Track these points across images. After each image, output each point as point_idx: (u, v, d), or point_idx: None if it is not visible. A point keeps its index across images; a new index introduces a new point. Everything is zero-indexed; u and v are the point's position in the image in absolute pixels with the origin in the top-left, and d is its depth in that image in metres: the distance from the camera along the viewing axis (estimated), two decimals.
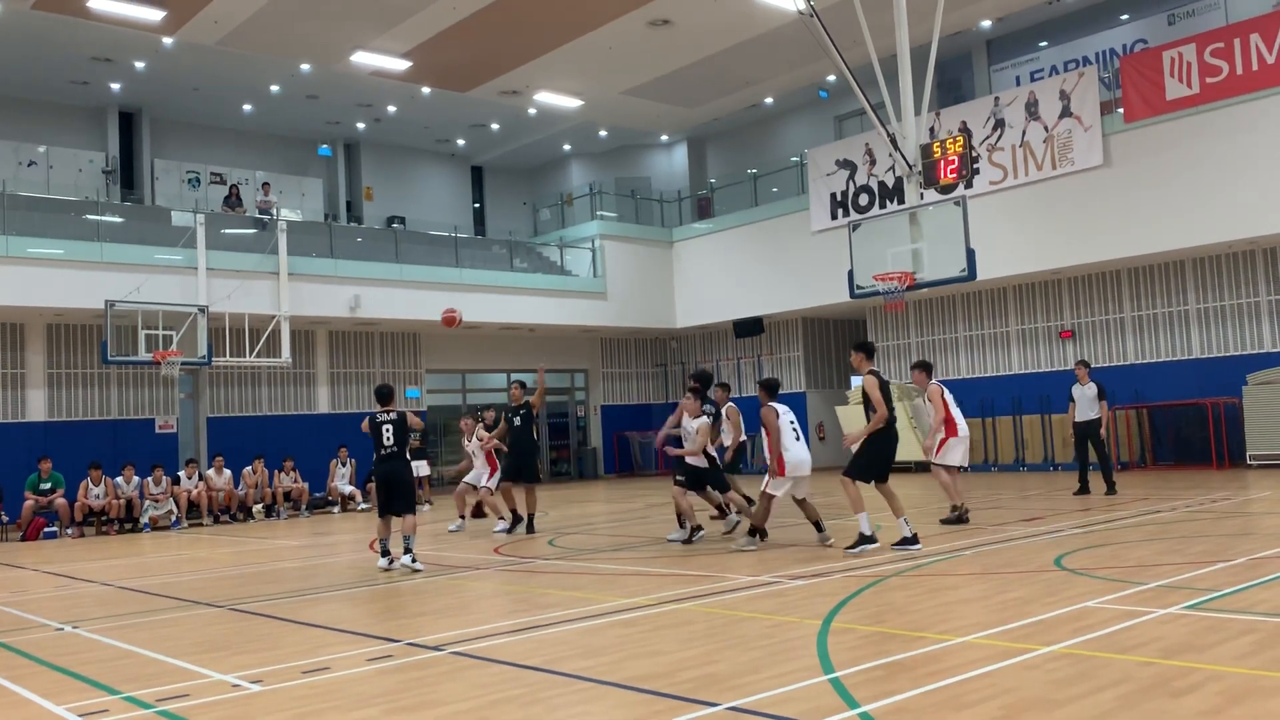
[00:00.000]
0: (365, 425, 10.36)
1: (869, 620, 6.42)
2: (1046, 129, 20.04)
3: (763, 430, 10.01)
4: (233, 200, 24.04)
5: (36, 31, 19.95)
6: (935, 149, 13.25)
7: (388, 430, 10.12)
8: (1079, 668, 4.89)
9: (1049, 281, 21.57)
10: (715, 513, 12.66)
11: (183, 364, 19.27)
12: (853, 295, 14.22)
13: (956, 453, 11.52)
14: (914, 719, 4.27)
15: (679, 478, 11.14)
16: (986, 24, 22.29)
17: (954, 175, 13.16)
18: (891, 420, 9.70)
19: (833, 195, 23.47)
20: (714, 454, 11.24)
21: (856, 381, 19.46)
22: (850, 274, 14.05)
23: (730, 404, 12.76)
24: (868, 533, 9.42)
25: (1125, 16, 21.88)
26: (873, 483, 9.83)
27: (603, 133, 28.99)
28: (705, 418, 11.10)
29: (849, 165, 23.23)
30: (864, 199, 22.84)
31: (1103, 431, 14.32)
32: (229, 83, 23.66)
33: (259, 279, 20.73)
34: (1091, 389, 14.29)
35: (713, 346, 28.07)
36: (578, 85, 23.52)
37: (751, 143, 28.68)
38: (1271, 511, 11.43)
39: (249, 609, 8.26)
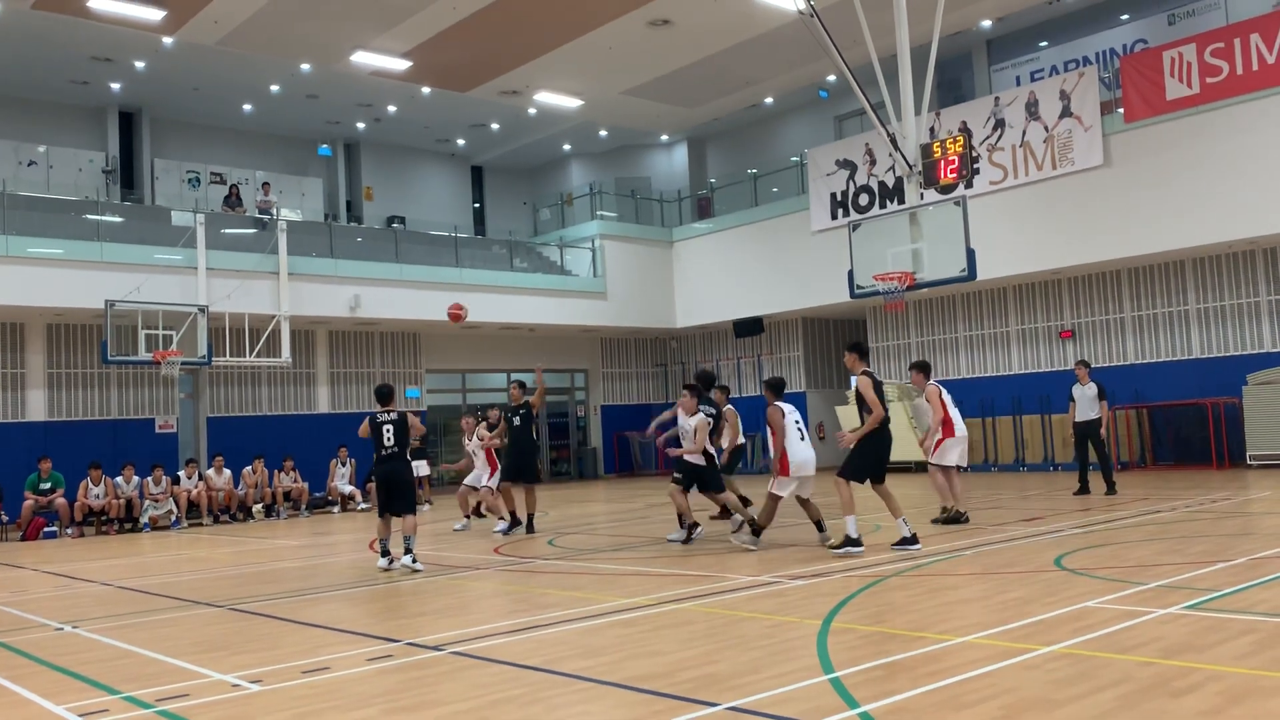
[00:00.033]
0: (363, 429, 10.25)
1: (869, 620, 6.42)
2: (1047, 129, 20.03)
3: (768, 429, 10.02)
4: (233, 200, 24.04)
5: (36, 31, 19.95)
6: (935, 149, 13.26)
7: (388, 430, 10.09)
8: (1079, 668, 4.89)
9: (1049, 281, 21.57)
10: (716, 512, 12.67)
11: (183, 364, 19.27)
12: (853, 295, 14.23)
13: (953, 453, 11.58)
14: (914, 719, 4.27)
15: (677, 476, 11.17)
16: (986, 24, 22.28)
17: (954, 175, 13.16)
18: (886, 420, 9.71)
19: (833, 195, 23.47)
20: (712, 452, 11.26)
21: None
22: (850, 274, 14.06)
23: (729, 406, 12.76)
24: (854, 536, 9.39)
25: (1125, 16, 21.87)
26: (868, 483, 9.82)
27: (603, 133, 28.98)
28: (701, 414, 11.11)
29: (849, 165, 23.23)
30: (864, 199, 22.84)
31: (1103, 431, 14.32)
32: (229, 83, 23.66)
33: (259, 279, 20.73)
34: (1091, 389, 14.29)
35: (713, 346, 28.07)
36: (578, 85, 23.52)
37: (751, 143, 28.68)
38: (1271, 511, 11.43)
39: (249, 609, 8.25)
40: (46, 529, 17.27)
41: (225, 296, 19.81)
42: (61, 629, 7.70)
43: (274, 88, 24.27)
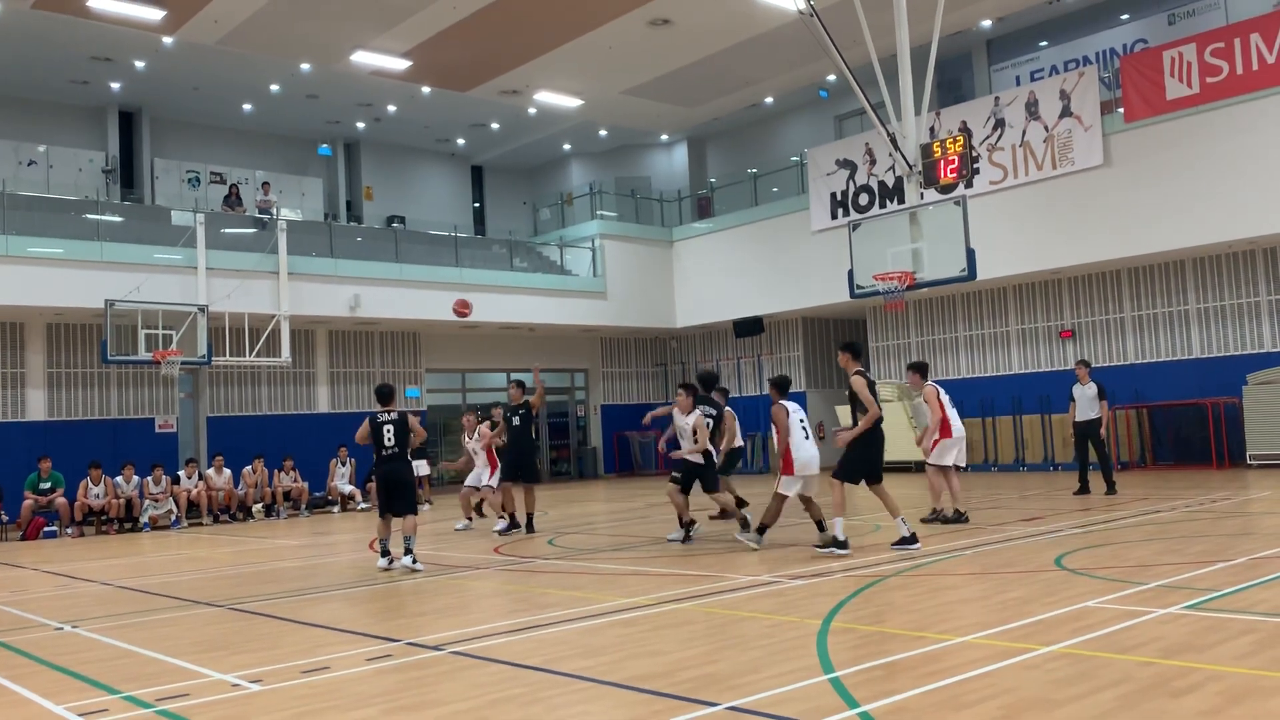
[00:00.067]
0: (362, 432, 10.14)
1: (869, 620, 6.42)
2: (1047, 129, 20.03)
3: (773, 428, 10.03)
4: (232, 200, 24.04)
5: (36, 31, 19.95)
6: (935, 149, 13.26)
7: (389, 430, 10.07)
8: (1079, 668, 4.89)
9: (1049, 281, 21.57)
10: (716, 513, 12.67)
11: (182, 363, 19.27)
12: (853, 295, 14.23)
13: (951, 453, 11.66)
14: (914, 719, 4.27)
15: (675, 475, 11.19)
16: (986, 24, 22.28)
17: (954, 175, 13.17)
18: (879, 419, 9.71)
19: (833, 195, 23.47)
20: (710, 450, 11.27)
21: None
22: (850, 274, 14.06)
23: (727, 409, 12.77)
24: (841, 538, 9.37)
25: (1125, 16, 21.88)
26: (863, 483, 9.78)
27: (603, 132, 28.98)
28: (699, 413, 11.11)
29: (849, 165, 23.23)
30: (864, 199, 22.84)
31: (1103, 431, 14.32)
32: (229, 82, 23.66)
33: (259, 278, 20.72)
34: (1092, 389, 14.29)
35: (713, 346, 28.06)
36: (578, 85, 23.52)
37: (751, 142, 28.68)
38: (1271, 511, 11.43)
39: (248, 608, 8.25)
40: (46, 529, 17.28)
41: (225, 296, 19.81)
42: (61, 629, 7.70)
43: (274, 87, 24.27)
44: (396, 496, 10.14)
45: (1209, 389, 19.03)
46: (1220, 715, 4.08)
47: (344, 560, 11.77)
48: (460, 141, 29.44)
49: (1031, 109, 20.30)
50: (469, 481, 14.61)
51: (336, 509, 20.29)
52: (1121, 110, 19.28)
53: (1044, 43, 23.02)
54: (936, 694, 4.58)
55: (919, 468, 19.87)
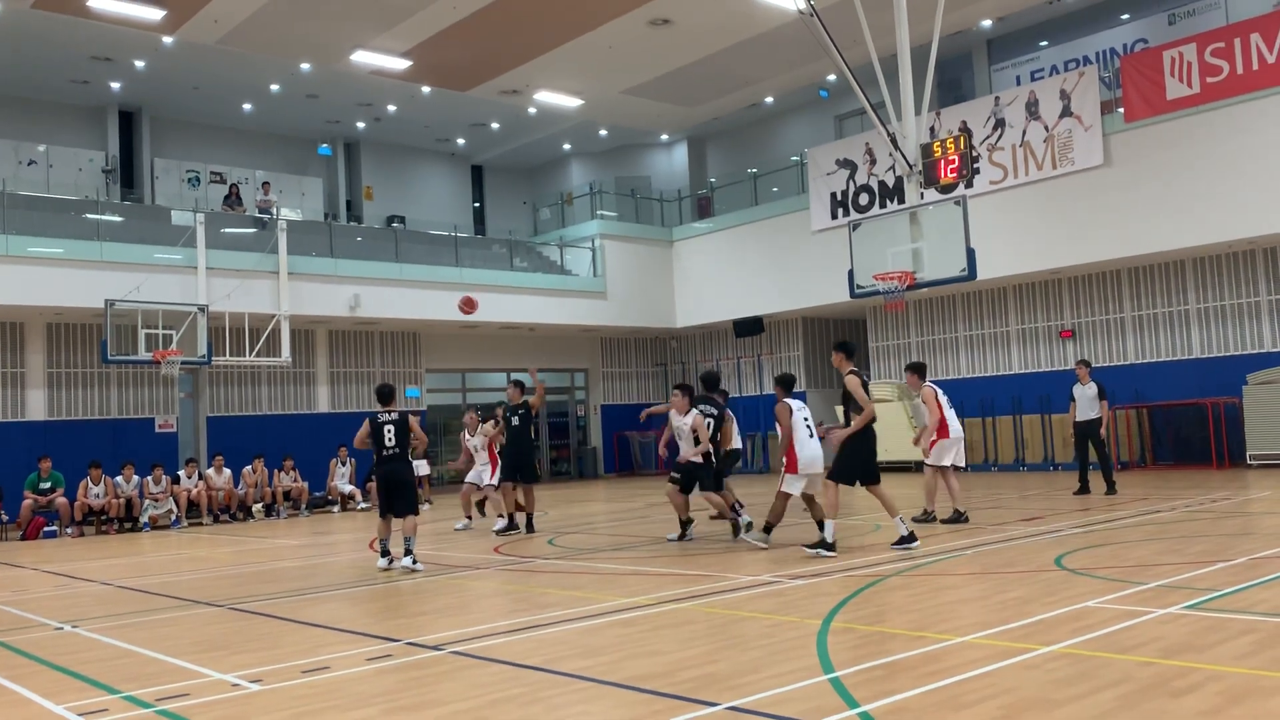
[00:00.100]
0: (361, 435, 10.07)
1: (869, 620, 6.42)
2: (1047, 129, 20.03)
3: (777, 426, 10.03)
4: (232, 199, 24.04)
5: (36, 31, 19.95)
6: (935, 148, 13.26)
7: (389, 431, 10.07)
8: (1079, 668, 4.89)
9: (1049, 281, 21.57)
10: (716, 513, 12.65)
11: (182, 363, 19.27)
12: (853, 295, 14.23)
13: (949, 454, 11.71)
14: (914, 719, 4.26)
15: (674, 476, 11.18)
16: (987, 24, 22.28)
17: (954, 175, 13.16)
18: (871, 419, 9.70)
19: (833, 195, 23.47)
20: (710, 450, 11.26)
21: None
22: (850, 274, 14.06)
23: (726, 409, 12.76)
24: (829, 540, 9.36)
25: (1125, 16, 21.88)
26: (858, 484, 9.72)
27: (603, 132, 28.98)
28: (696, 413, 11.08)
29: (849, 165, 23.23)
30: (864, 198, 22.84)
31: (1103, 431, 14.33)
32: (229, 82, 23.66)
33: (259, 278, 20.72)
34: (1092, 388, 14.29)
35: (713, 346, 28.06)
36: (578, 84, 23.52)
37: (751, 142, 28.67)
38: (1271, 511, 11.43)
39: (248, 608, 8.25)
40: (46, 528, 17.28)
41: (225, 296, 19.81)
42: (61, 628, 7.70)
43: (274, 87, 24.26)
44: (397, 497, 10.13)
45: (1209, 389, 19.03)
46: (1220, 715, 4.08)
47: (344, 560, 11.77)
48: (460, 141, 29.43)
49: (1032, 109, 20.30)
50: (469, 479, 14.62)
51: (336, 509, 20.29)
52: (1121, 110, 19.28)
53: (1044, 43, 23.02)
54: (936, 694, 4.58)
55: (919, 468, 19.88)
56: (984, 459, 22.11)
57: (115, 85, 23.67)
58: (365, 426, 10.16)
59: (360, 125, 27.47)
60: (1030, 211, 20.18)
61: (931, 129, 20.42)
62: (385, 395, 10.41)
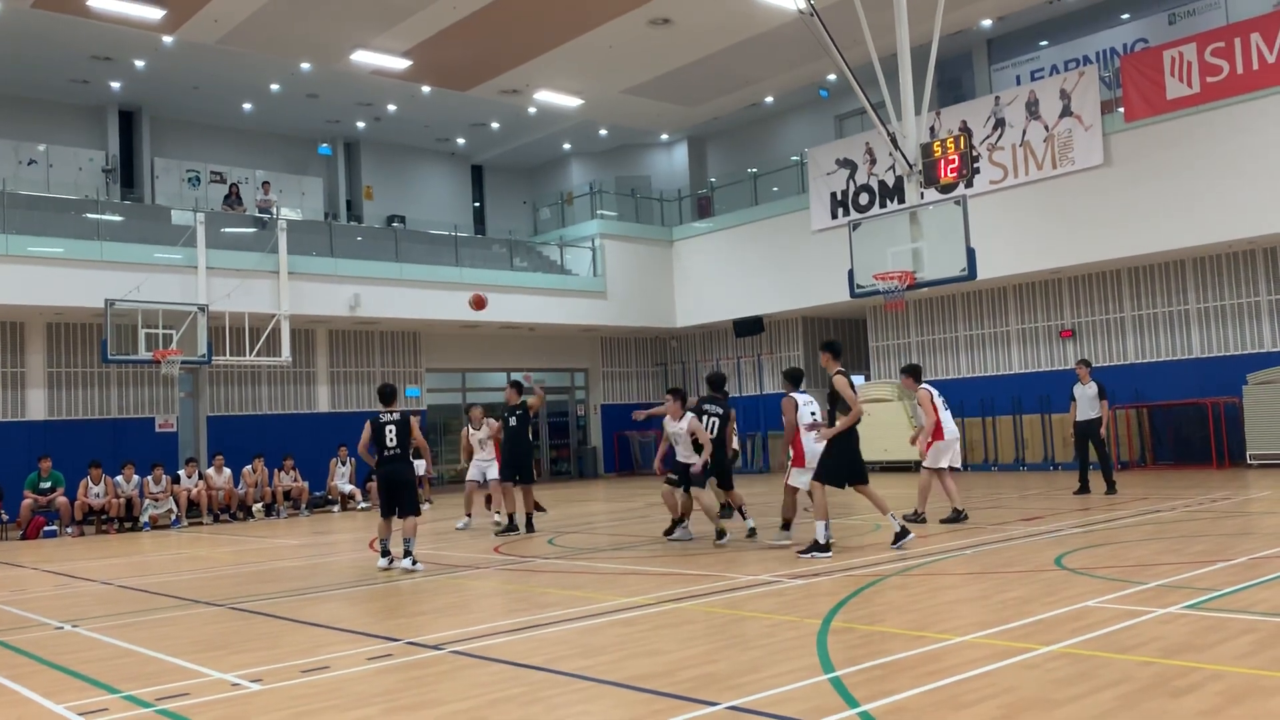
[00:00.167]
0: (364, 443, 10.02)
1: (868, 620, 6.42)
2: (1047, 128, 20.03)
3: (782, 419, 10.06)
4: (232, 199, 24.04)
5: (36, 30, 19.94)
6: (935, 148, 13.26)
7: (391, 431, 10.05)
8: (1079, 667, 4.89)
9: (1049, 281, 21.56)
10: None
11: (182, 363, 19.27)
12: (853, 295, 14.23)
13: (945, 456, 11.76)
14: (913, 718, 4.27)
15: (671, 477, 11.17)
16: (987, 23, 22.28)
17: (954, 174, 13.16)
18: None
19: (833, 194, 23.47)
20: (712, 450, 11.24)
21: (858, 381, 19.48)
22: (850, 273, 14.06)
23: (731, 410, 12.77)
24: (822, 541, 9.33)
25: (1126, 16, 21.87)
26: (847, 486, 9.67)
27: (603, 132, 28.97)
28: (691, 416, 11.00)
29: (849, 164, 23.22)
30: (864, 198, 22.84)
31: (1103, 431, 14.33)
32: (229, 82, 23.66)
33: (259, 278, 20.72)
34: (1092, 388, 14.29)
35: (713, 346, 28.06)
36: (578, 84, 23.51)
37: (752, 142, 28.67)
38: (1271, 511, 11.43)
39: (248, 608, 8.25)
40: (46, 528, 17.28)
41: (225, 295, 19.81)
42: (61, 628, 7.70)
43: (274, 87, 24.26)
44: (398, 497, 10.12)
45: (1209, 389, 19.03)
46: (1220, 715, 4.08)
47: (344, 560, 11.77)
48: (460, 141, 29.43)
49: (1032, 108, 20.30)
50: (471, 475, 14.64)
51: (336, 508, 20.29)
52: (1122, 110, 19.28)
53: (1044, 42, 23.02)
54: (936, 694, 4.58)
55: (918, 468, 19.89)
56: (984, 459, 22.11)
57: (115, 85, 23.67)
58: (367, 430, 10.06)
59: (360, 125, 27.46)
60: (1030, 211, 20.18)
61: (931, 129, 20.42)
62: (387, 395, 10.40)
